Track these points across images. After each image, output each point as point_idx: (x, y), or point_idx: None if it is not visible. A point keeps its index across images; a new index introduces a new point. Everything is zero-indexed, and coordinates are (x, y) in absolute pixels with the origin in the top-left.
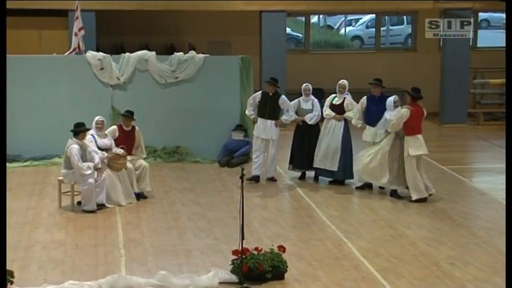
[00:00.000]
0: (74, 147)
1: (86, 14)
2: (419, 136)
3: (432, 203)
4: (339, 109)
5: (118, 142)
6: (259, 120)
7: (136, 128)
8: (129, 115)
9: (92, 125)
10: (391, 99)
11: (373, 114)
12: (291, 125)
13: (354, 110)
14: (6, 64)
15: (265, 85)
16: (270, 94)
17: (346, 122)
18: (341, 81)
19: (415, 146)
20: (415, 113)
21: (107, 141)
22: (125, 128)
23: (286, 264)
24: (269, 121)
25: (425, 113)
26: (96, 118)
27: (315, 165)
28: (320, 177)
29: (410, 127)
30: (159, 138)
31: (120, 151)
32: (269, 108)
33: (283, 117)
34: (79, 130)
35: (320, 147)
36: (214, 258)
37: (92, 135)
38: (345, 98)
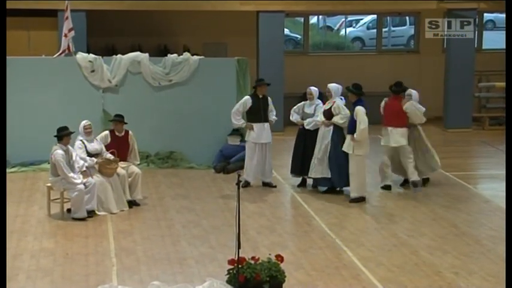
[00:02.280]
0: (58, 153)
1: (76, 14)
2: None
3: (435, 210)
4: (328, 114)
5: (111, 148)
6: (256, 125)
7: (130, 132)
8: (119, 119)
9: (79, 130)
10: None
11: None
12: (293, 129)
13: (342, 114)
14: None
15: (259, 87)
16: (261, 96)
17: (339, 127)
18: (328, 85)
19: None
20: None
21: (97, 146)
22: (117, 133)
23: (284, 274)
24: (266, 124)
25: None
26: (83, 122)
27: (310, 174)
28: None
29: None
30: (152, 143)
31: (110, 156)
32: (263, 111)
33: (272, 118)
34: (62, 134)
35: (315, 154)
36: (209, 268)
37: (81, 140)
38: (334, 102)
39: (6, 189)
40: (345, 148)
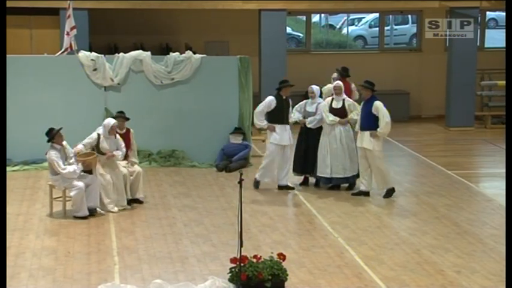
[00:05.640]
0: (51, 152)
1: (79, 12)
2: None
3: (437, 209)
4: (341, 113)
5: None
6: (278, 127)
7: (131, 130)
8: (122, 116)
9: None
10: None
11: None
12: (295, 128)
13: (357, 110)
14: None
15: (284, 89)
16: (284, 97)
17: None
18: (335, 83)
19: None
20: None
21: (106, 146)
22: (118, 130)
23: (286, 272)
24: (287, 126)
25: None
26: (111, 122)
27: (334, 175)
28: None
29: None
30: (154, 141)
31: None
32: (286, 113)
33: (291, 120)
34: (52, 135)
35: (334, 155)
36: (211, 266)
37: (99, 134)
38: (344, 100)
39: (6, 187)
40: (365, 145)
